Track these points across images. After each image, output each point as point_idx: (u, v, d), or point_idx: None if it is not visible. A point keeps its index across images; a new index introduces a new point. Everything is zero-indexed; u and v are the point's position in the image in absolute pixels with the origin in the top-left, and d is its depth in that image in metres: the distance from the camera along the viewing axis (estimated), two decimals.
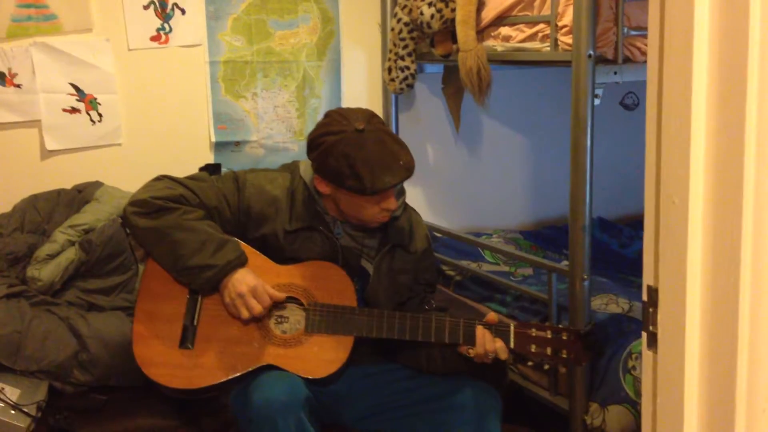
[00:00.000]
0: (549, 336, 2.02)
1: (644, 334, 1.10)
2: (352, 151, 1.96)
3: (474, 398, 2.08)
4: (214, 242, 2.00)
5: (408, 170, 2.02)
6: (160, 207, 2.02)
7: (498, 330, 2.04)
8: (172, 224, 2.01)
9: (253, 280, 2.01)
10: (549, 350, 2.02)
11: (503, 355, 2.02)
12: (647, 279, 1.08)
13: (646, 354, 1.11)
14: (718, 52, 0.94)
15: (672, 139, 0.98)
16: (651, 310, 1.07)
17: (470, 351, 2.02)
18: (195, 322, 2.06)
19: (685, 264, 0.99)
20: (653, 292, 1.06)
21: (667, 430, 1.07)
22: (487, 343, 2.01)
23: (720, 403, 1.00)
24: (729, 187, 0.94)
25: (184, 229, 2.00)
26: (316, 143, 2.03)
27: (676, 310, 1.01)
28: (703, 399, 1.02)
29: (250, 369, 2.02)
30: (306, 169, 2.17)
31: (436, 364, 2.13)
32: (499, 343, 2.01)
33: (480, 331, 2.02)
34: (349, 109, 2.09)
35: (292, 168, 2.22)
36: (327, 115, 2.10)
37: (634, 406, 2.37)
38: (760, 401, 0.98)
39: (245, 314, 2.00)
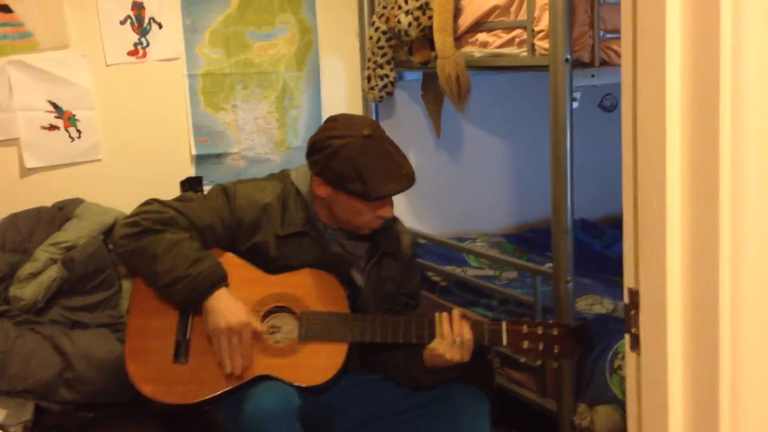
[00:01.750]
0: (540, 332, 2.04)
1: (627, 337, 1.11)
2: (358, 156, 1.98)
3: (462, 403, 2.09)
4: (190, 257, 1.99)
5: (411, 180, 2.04)
6: (147, 228, 2.02)
7: (490, 328, 2.05)
8: (152, 243, 2.00)
9: (236, 316, 1.96)
10: (541, 346, 2.04)
11: (468, 334, 2.02)
12: (628, 282, 1.09)
13: (630, 356, 1.12)
14: (691, 55, 0.95)
15: (648, 142, 1.00)
16: (633, 312, 1.08)
17: (438, 347, 2.01)
18: (188, 336, 2.04)
19: (664, 266, 1.00)
20: (634, 294, 1.07)
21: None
22: (454, 325, 2.01)
23: (704, 402, 1.01)
24: (706, 190, 0.95)
25: (162, 246, 1.99)
26: (320, 145, 2.04)
27: (658, 311, 1.02)
28: (688, 399, 1.03)
29: (245, 380, 2.01)
30: (298, 176, 2.17)
31: (421, 379, 2.13)
32: (465, 326, 2.02)
33: (438, 318, 2.03)
34: (354, 116, 2.14)
35: (281, 176, 2.22)
36: (332, 119, 2.11)
37: (622, 406, 2.38)
38: (744, 400, 0.99)
39: (224, 354, 1.98)
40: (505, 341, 2.04)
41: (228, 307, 1.97)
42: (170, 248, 1.99)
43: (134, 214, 2.08)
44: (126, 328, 2.09)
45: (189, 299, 1.99)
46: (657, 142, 0.97)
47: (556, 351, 2.04)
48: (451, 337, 2.00)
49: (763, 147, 0.92)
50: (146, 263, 2.00)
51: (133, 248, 2.01)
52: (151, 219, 2.03)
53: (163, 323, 2.05)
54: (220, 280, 2.00)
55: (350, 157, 1.98)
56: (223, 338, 1.97)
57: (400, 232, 2.28)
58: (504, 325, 2.05)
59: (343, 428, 2.17)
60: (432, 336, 2.03)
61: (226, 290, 2.00)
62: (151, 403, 2.03)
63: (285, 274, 2.10)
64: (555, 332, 2.04)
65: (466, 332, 2.01)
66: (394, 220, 2.28)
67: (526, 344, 2.04)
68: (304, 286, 2.09)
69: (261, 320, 2.07)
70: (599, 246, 3.55)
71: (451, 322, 2.02)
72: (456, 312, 2.06)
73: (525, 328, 2.04)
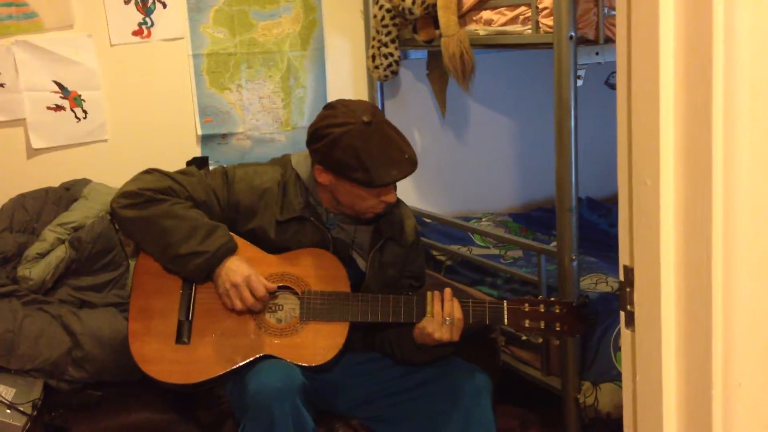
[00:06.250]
0: (542, 310, 2.05)
1: (622, 314, 1.12)
2: (359, 144, 1.97)
3: (464, 381, 2.10)
4: (204, 228, 2.01)
5: (413, 164, 2.04)
6: (150, 198, 2.02)
7: (492, 307, 2.06)
8: (160, 213, 2.01)
9: (247, 269, 2.01)
10: (542, 324, 2.05)
11: (458, 314, 2.03)
12: (623, 259, 1.10)
13: (625, 333, 1.13)
14: (684, 32, 0.95)
15: (642, 121, 1.00)
16: (628, 289, 1.09)
17: (427, 326, 2.02)
18: (190, 317, 2.06)
19: (658, 244, 1.00)
20: (629, 271, 1.08)
21: (647, 407, 1.09)
22: (445, 304, 2.02)
23: (697, 378, 1.02)
24: (699, 167, 0.95)
25: (172, 217, 2.01)
26: (320, 134, 2.04)
27: (652, 288, 1.03)
28: (681, 375, 1.04)
29: (248, 360, 2.03)
30: (299, 161, 2.17)
31: (411, 356, 2.14)
32: (455, 306, 2.03)
33: (429, 296, 2.05)
34: (352, 101, 2.11)
35: (282, 161, 2.22)
36: (330, 106, 2.10)
37: None
38: (736, 375, 1.00)
39: (239, 305, 2.01)
40: (506, 320, 2.05)
41: (230, 268, 2.01)
42: (179, 218, 2.00)
43: (134, 182, 2.08)
44: (129, 308, 2.11)
45: (204, 272, 2.02)
46: (651, 120, 0.97)
47: (558, 329, 2.05)
48: (441, 316, 2.01)
49: (754, 124, 0.92)
50: (153, 234, 2.02)
51: (138, 217, 2.02)
52: (152, 189, 2.04)
53: (164, 304, 2.07)
54: (231, 251, 2.03)
55: (351, 146, 1.98)
56: (233, 293, 2.01)
57: (404, 216, 2.28)
58: (505, 303, 2.06)
59: (345, 406, 2.19)
60: (421, 314, 2.04)
61: (237, 258, 2.03)
62: (154, 382, 2.05)
63: (286, 253, 2.11)
64: (557, 310, 2.05)
65: (456, 312, 2.02)
66: (398, 203, 2.28)
67: (527, 323, 2.05)
68: (306, 266, 2.10)
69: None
70: (605, 224, 3.55)
71: (442, 302, 2.03)
72: (447, 291, 2.06)
73: (526, 307, 2.05)
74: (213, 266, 2.01)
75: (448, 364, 2.14)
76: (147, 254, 2.10)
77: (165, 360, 2.04)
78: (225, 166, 2.20)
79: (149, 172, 2.12)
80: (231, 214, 2.12)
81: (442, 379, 2.11)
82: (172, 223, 2.00)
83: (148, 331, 2.06)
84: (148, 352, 2.05)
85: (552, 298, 2.13)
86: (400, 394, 2.15)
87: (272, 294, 2.08)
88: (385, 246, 2.20)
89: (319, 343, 2.05)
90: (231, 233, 2.08)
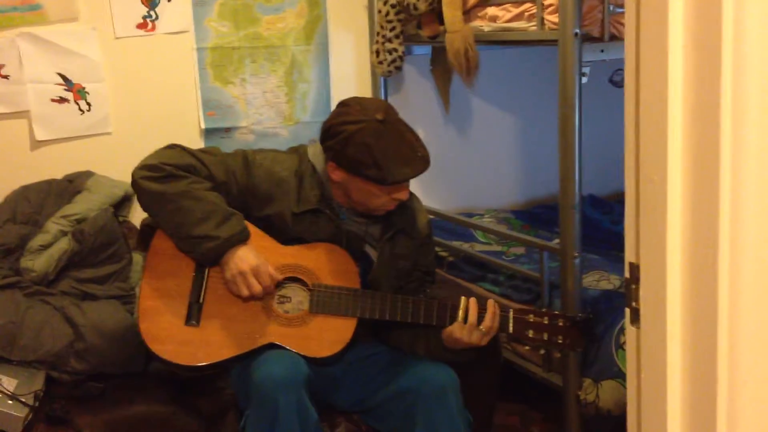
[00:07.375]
0: (546, 322, 2.05)
1: (627, 311, 1.12)
2: (373, 141, 1.98)
3: (425, 382, 2.06)
4: (219, 214, 2.01)
5: (426, 163, 2.05)
6: (170, 173, 2.02)
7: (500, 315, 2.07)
8: (179, 191, 2.00)
9: (255, 259, 2.01)
10: (545, 336, 2.06)
11: (496, 329, 2.03)
12: (629, 256, 1.10)
13: (630, 330, 1.13)
14: (693, 31, 0.95)
15: (649, 118, 1.00)
16: (633, 286, 1.09)
17: (455, 331, 2.02)
18: (201, 300, 2.06)
19: (665, 241, 1.00)
20: (635, 268, 1.08)
21: (652, 405, 1.09)
22: (487, 317, 2.02)
23: (702, 375, 1.02)
24: (706, 165, 0.95)
25: (191, 197, 2.00)
26: (334, 131, 2.04)
27: (657, 285, 1.03)
28: (686, 372, 1.04)
29: (254, 347, 2.03)
30: (315, 153, 2.17)
31: (438, 354, 2.14)
32: (497, 321, 2.04)
33: (463, 303, 2.04)
34: (365, 99, 2.12)
35: (300, 152, 2.22)
36: (344, 104, 2.10)
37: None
38: (741, 373, 1.00)
39: (245, 293, 2.01)
40: (511, 329, 2.06)
41: (239, 256, 2.00)
42: (197, 200, 1.99)
43: (155, 156, 2.06)
44: (140, 287, 2.11)
45: (213, 257, 2.02)
46: (658, 117, 0.97)
47: (560, 342, 2.06)
48: (475, 323, 2.02)
49: (762, 121, 0.92)
50: (170, 210, 2.00)
51: (157, 191, 2.00)
52: (173, 164, 2.03)
53: (177, 285, 2.07)
54: (243, 241, 2.03)
55: (365, 143, 1.98)
56: (239, 280, 2.00)
57: (416, 210, 2.28)
58: (511, 312, 2.06)
59: (343, 403, 2.19)
60: (453, 319, 2.04)
61: (247, 247, 2.03)
62: (160, 362, 2.05)
63: (299, 246, 2.12)
64: (560, 323, 2.06)
65: (495, 326, 2.04)
66: (411, 197, 2.28)
67: (531, 333, 2.06)
68: (317, 259, 2.10)
69: (272, 290, 2.09)
70: (608, 222, 3.55)
71: (481, 311, 2.03)
72: (493, 306, 2.06)
73: (531, 317, 2.06)
74: (223, 252, 2.01)
75: (413, 367, 2.12)
76: (163, 235, 2.09)
77: (173, 341, 2.04)
78: (245, 150, 2.19)
79: (171, 147, 2.11)
80: (248, 198, 2.11)
81: (409, 384, 2.08)
82: (189, 203, 1.99)
83: (159, 311, 2.06)
84: (157, 331, 2.05)
85: (556, 311, 2.14)
86: (383, 398, 2.14)
87: (283, 284, 2.09)
88: (396, 237, 2.19)
89: (326, 336, 2.06)
90: (246, 222, 2.07)
